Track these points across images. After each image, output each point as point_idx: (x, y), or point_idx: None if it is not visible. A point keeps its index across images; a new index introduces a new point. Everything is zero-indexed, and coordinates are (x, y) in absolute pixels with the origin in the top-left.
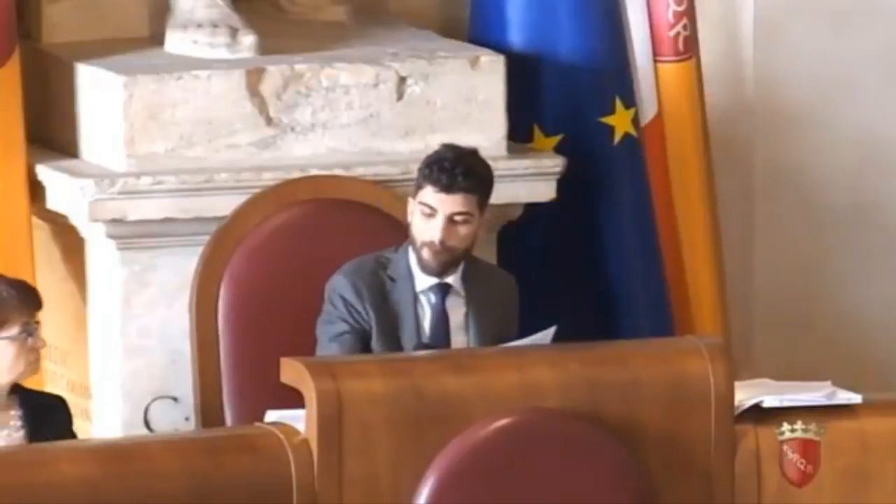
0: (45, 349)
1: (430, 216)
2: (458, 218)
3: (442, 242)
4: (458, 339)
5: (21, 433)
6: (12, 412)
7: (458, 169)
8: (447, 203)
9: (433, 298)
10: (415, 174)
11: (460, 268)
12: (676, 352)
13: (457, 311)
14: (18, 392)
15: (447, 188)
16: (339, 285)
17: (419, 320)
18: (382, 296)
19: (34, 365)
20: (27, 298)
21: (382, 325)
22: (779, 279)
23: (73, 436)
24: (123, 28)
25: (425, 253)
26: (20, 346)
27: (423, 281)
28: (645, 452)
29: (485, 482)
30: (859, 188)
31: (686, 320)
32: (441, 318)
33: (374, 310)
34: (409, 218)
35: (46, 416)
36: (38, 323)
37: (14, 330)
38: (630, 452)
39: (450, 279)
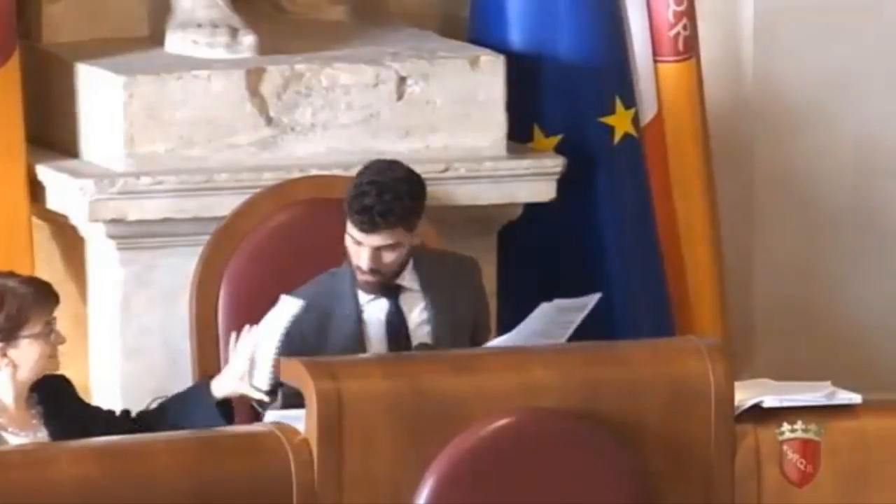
0: None
1: (358, 245)
2: (383, 249)
3: (370, 269)
4: (422, 334)
5: (44, 433)
6: (32, 411)
7: (376, 208)
8: (369, 239)
9: (387, 303)
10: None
11: (409, 265)
12: (676, 352)
13: (414, 306)
14: (34, 387)
15: (367, 229)
16: None
17: (364, 333)
18: (325, 317)
19: (53, 361)
20: (46, 296)
21: (326, 345)
22: (779, 279)
23: (86, 405)
24: (123, 28)
25: (358, 276)
26: (43, 343)
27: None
28: (645, 452)
29: (485, 482)
30: (858, 188)
31: (686, 320)
32: (398, 321)
33: (315, 334)
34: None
35: (59, 400)
36: (55, 318)
37: (37, 328)
38: (630, 452)
39: (399, 280)
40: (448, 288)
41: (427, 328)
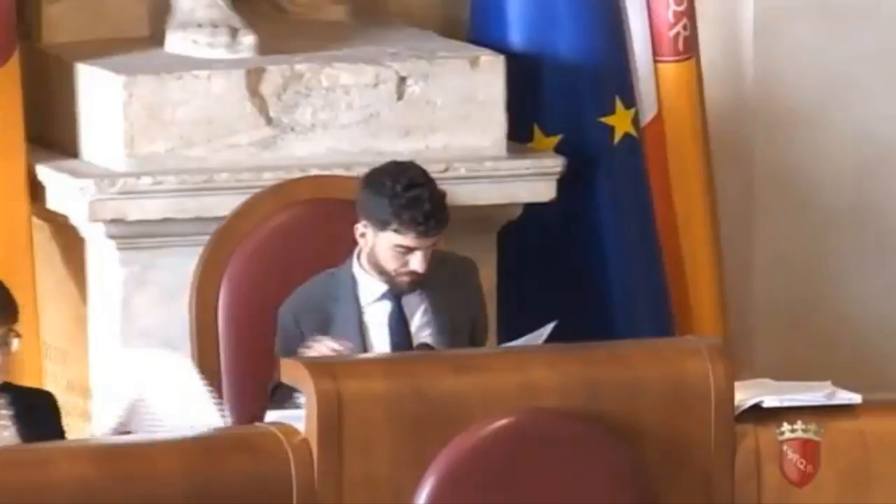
0: (45, 349)
1: (408, 252)
2: (430, 248)
3: (424, 271)
4: (423, 335)
5: (11, 432)
6: (3, 411)
7: (435, 212)
8: (426, 242)
9: (389, 305)
10: None
11: None
12: (676, 352)
13: (416, 307)
14: (6, 390)
15: (432, 234)
16: (281, 316)
17: (365, 335)
18: (325, 319)
19: None
20: None
21: None
22: (778, 279)
23: (62, 432)
24: (123, 28)
25: (402, 281)
26: None
27: (372, 292)
28: (645, 452)
29: (485, 482)
30: (859, 188)
31: (686, 320)
32: (400, 321)
33: (315, 336)
34: (363, 241)
35: (34, 412)
36: (13, 333)
37: None
38: (630, 452)
39: None
40: (447, 289)
41: (428, 330)
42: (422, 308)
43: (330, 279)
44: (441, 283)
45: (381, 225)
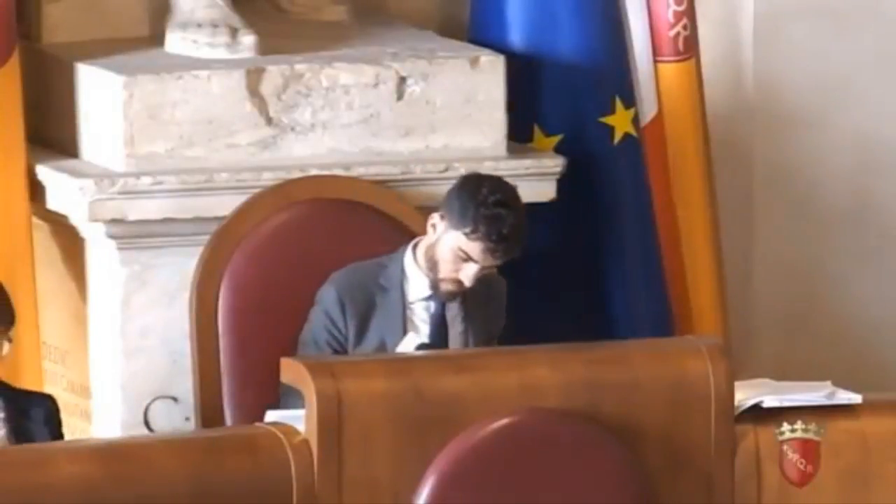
0: (45, 349)
1: (466, 261)
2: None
3: (469, 286)
4: (459, 342)
5: (2, 433)
6: None
7: (509, 236)
8: (489, 261)
9: (433, 307)
10: (415, 173)
11: None
12: (676, 352)
13: (456, 314)
14: (1, 391)
15: (494, 254)
16: (324, 296)
17: (407, 331)
18: (369, 307)
19: None
20: None
21: (365, 338)
22: (779, 279)
23: (59, 435)
24: (123, 28)
25: (446, 286)
26: None
27: (420, 290)
28: (645, 452)
29: (485, 482)
30: (858, 188)
31: (686, 320)
32: (441, 325)
33: (357, 323)
34: (431, 230)
35: (31, 415)
36: (6, 338)
37: None
38: (630, 452)
39: None
40: (484, 301)
41: (462, 339)
42: (461, 315)
43: (379, 269)
44: (478, 293)
45: (457, 223)
